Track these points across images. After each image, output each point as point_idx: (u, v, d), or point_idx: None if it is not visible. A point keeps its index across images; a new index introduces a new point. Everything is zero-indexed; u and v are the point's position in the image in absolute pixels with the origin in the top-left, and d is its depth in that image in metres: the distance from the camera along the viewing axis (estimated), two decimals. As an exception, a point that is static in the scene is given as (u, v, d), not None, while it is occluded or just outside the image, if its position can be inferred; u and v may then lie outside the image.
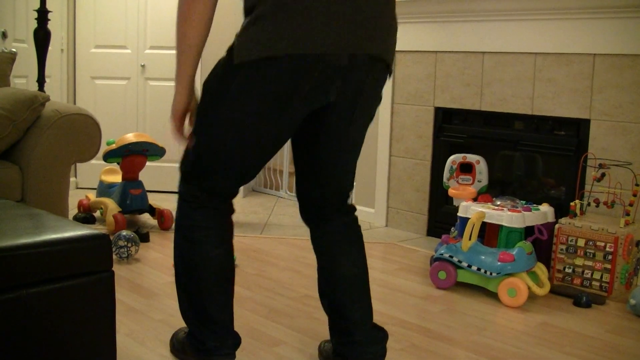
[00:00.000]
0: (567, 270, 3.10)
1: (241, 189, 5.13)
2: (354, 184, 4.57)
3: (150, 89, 5.13)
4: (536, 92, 3.50)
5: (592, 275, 3.02)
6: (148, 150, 4.04)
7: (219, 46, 5.03)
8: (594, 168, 3.21)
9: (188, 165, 2.01)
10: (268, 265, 3.34)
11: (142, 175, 4.10)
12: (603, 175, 3.15)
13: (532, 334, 2.56)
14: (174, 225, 2.15)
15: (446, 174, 3.48)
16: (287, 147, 5.29)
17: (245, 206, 4.83)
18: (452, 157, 3.48)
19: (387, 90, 4.22)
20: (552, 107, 3.44)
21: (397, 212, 4.27)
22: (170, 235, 3.88)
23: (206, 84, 1.90)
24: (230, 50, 1.81)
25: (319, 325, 2.56)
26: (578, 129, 3.38)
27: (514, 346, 2.43)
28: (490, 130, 3.76)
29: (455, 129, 3.91)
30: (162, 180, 5.09)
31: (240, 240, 3.82)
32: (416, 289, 3.07)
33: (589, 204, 3.23)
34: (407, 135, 4.15)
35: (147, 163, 4.11)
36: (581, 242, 3.05)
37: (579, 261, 3.06)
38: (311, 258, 3.49)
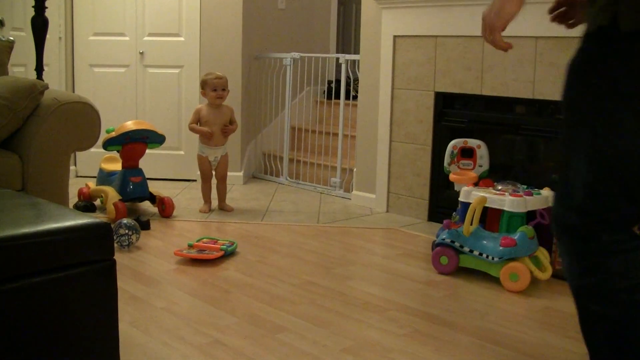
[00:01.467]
0: (569, 254, 3.09)
1: (241, 175, 5.15)
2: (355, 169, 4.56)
3: (149, 76, 5.11)
4: (537, 76, 3.48)
5: (594, 259, 3.01)
6: (148, 138, 4.02)
7: (218, 43, 5.01)
8: (596, 152, 3.20)
9: (579, 197, 1.54)
10: (269, 252, 3.34)
11: (142, 163, 4.09)
12: (605, 159, 3.13)
13: (535, 319, 2.56)
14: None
15: (447, 158, 3.47)
16: (286, 133, 5.27)
17: (245, 193, 4.82)
18: (453, 142, 3.47)
19: (387, 75, 4.21)
20: (553, 91, 3.42)
21: (398, 198, 4.26)
22: (171, 222, 3.88)
23: (580, 80, 1.52)
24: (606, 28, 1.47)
25: (322, 311, 2.56)
26: (579, 112, 3.36)
27: (517, 331, 2.43)
28: (491, 115, 3.75)
29: (456, 114, 3.89)
30: (162, 167, 5.08)
31: (241, 227, 3.82)
32: (418, 274, 3.06)
33: (590, 188, 3.22)
34: (408, 120, 4.14)
35: (147, 150, 4.09)
36: (583, 226, 3.04)
37: (580, 245, 3.05)
38: (312, 244, 3.49)
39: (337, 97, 5.06)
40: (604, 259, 1.51)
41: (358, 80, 4.58)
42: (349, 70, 4.85)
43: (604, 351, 1.53)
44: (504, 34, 1.62)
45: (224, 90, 4.11)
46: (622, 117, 1.46)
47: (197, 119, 4.15)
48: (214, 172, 4.23)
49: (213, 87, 4.08)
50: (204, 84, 4.12)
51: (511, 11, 1.57)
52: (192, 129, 4.16)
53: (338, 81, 5.10)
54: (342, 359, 2.16)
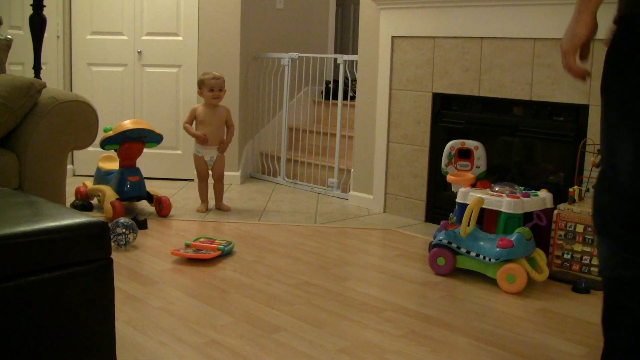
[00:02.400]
0: (565, 256, 3.10)
1: (239, 175, 5.14)
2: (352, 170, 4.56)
3: (146, 76, 5.10)
4: (535, 78, 3.48)
5: (590, 261, 3.02)
6: (145, 137, 4.02)
7: (216, 42, 5.01)
8: (593, 154, 3.21)
9: (627, 183, 1.48)
10: (266, 252, 3.34)
11: (140, 162, 4.08)
12: (602, 160, 3.13)
13: (532, 320, 2.56)
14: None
15: (444, 160, 3.47)
16: (283, 133, 5.27)
17: (243, 193, 4.82)
18: (450, 143, 3.47)
19: (384, 76, 4.21)
20: (551, 92, 3.43)
21: (395, 199, 4.26)
22: (168, 222, 3.88)
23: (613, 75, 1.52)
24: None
25: (318, 311, 2.56)
26: (577, 114, 3.37)
27: (513, 332, 2.43)
28: (489, 116, 3.75)
29: (453, 115, 3.90)
30: (159, 167, 5.08)
31: (238, 227, 3.82)
32: (415, 275, 3.07)
33: (587, 190, 3.23)
34: (405, 121, 4.14)
35: (145, 150, 4.09)
36: (580, 228, 3.05)
37: (577, 247, 3.06)
38: (309, 245, 3.49)
39: (335, 97, 5.06)
40: None
41: (356, 80, 4.58)
42: (347, 70, 4.85)
43: (624, 346, 1.50)
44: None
45: (221, 90, 4.11)
46: None
47: (193, 119, 4.14)
48: (210, 172, 4.23)
49: (210, 88, 4.07)
50: (201, 84, 4.11)
51: (581, 33, 1.57)
52: (186, 130, 4.16)
53: (336, 81, 5.10)
54: (339, 359, 2.16)
